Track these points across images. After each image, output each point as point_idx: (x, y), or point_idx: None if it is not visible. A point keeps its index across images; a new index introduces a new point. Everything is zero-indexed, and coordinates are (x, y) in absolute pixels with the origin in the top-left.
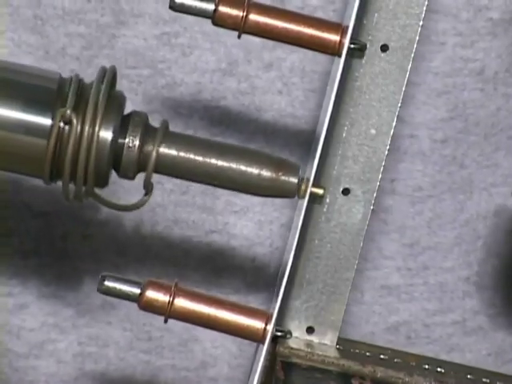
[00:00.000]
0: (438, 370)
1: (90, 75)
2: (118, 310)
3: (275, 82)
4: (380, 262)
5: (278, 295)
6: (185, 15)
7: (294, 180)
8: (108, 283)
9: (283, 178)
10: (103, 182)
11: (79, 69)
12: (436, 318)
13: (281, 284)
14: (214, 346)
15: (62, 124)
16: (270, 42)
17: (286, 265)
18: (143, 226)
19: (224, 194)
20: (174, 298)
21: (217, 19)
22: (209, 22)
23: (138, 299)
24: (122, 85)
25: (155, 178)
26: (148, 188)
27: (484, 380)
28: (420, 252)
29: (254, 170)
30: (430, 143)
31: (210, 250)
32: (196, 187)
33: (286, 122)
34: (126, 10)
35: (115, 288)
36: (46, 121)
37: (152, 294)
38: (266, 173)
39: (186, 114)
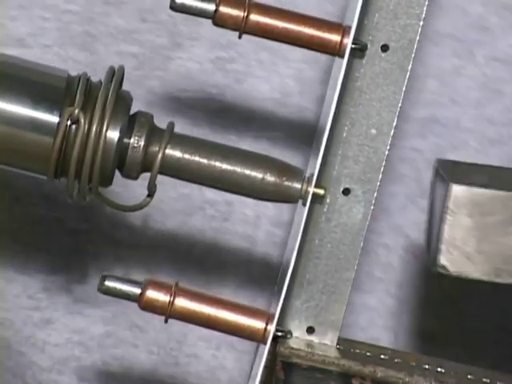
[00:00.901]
0: (438, 370)
1: (138, 96)
2: (145, 333)
3: None
4: None
5: (279, 295)
6: (241, 42)
7: (298, 186)
8: (108, 283)
9: (287, 183)
10: (108, 181)
11: (127, 89)
12: None
13: (282, 284)
14: (240, 376)
15: (69, 122)
16: (326, 77)
17: (287, 265)
18: (178, 249)
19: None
20: (174, 298)
21: (217, 19)
22: (265, 49)
23: (138, 299)
24: (172, 107)
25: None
26: (152, 189)
27: (484, 380)
28: None
29: (258, 174)
30: None
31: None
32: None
33: None
34: (183, 32)
35: (115, 288)
36: (54, 119)
37: (152, 294)
38: (269, 177)
39: (234, 141)
